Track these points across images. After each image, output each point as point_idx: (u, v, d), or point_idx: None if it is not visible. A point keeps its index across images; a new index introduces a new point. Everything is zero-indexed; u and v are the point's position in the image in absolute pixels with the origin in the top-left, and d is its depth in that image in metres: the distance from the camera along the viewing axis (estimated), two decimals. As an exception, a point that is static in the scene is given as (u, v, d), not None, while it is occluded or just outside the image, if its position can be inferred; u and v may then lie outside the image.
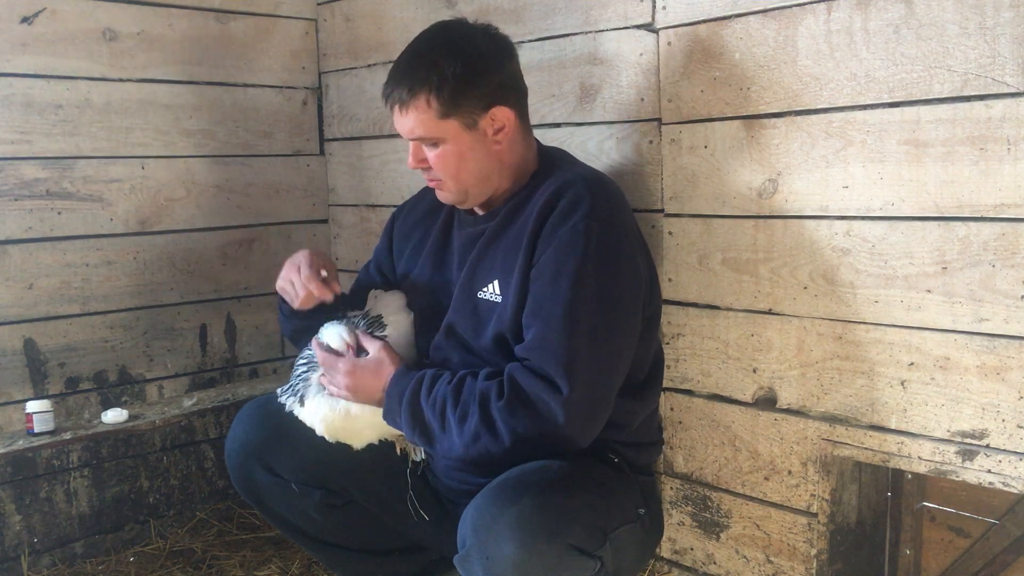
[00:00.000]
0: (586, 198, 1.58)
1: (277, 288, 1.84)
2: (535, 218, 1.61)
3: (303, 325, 1.84)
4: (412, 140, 1.67)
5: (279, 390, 1.81)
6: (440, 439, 1.57)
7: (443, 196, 1.75)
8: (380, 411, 1.66)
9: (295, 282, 1.78)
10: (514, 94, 1.69)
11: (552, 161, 1.75)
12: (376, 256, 2.02)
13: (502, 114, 1.65)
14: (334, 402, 1.71)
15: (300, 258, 1.80)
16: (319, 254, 1.82)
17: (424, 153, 1.67)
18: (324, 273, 1.79)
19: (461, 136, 1.64)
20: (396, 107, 1.65)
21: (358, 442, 1.78)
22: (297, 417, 1.77)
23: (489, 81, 1.64)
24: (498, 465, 1.55)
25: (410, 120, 1.64)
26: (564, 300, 1.53)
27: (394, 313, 1.81)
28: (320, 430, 1.73)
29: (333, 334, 1.73)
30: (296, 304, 1.79)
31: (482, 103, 1.63)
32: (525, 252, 1.61)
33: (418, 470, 1.86)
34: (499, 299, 1.64)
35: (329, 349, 1.71)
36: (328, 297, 1.78)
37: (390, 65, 1.69)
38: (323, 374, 1.72)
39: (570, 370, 1.49)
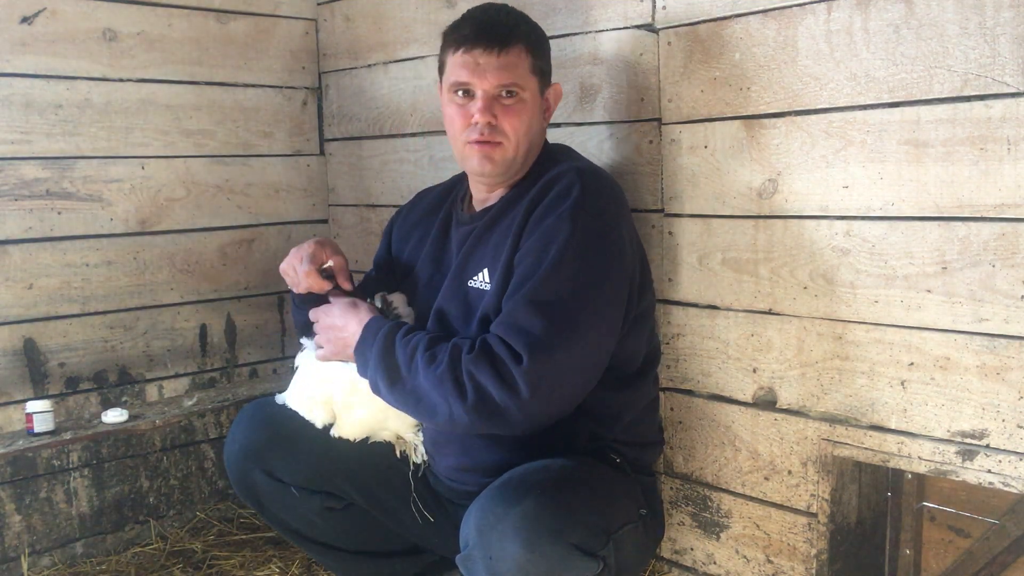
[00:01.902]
0: (576, 188, 1.59)
1: (280, 270, 1.86)
2: (525, 207, 1.63)
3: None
4: (493, 89, 1.63)
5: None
6: (405, 379, 1.57)
7: (490, 161, 1.67)
8: (369, 392, 1.67)
9: (297, 269, 1.81)
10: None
11: (552, 156, 1.75)
12: (376, 261, 2.03)
13: (556, 91, 1.76)
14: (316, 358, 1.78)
15: (305, 249, 1.82)
16: (326, 245, 1.84)
17: (497, 108, 1.65)
18: (330, 263, 1.82)
19: (535, 98, 1.70)
20: (493, 49, 1.62)
21: (346, 419, 1.78)
22: (292, 408, 1.80)
23: (549, 57, 1.75)
24: (455, 429, 1.57)
25: (506, 62, 1.63)
26: (539, 280, 1.53)
27: (399, 309, 1.84)
28: (307, 398, 1.78)
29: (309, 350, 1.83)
30: (296, 289, 1.84)
31: (549, 75, 1.74)
32: (513, 240, 1.62)
33: (419, 472, 1.86)
34: (488, 287, 1.65)
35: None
36: (325, 288, 1.80)
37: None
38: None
39: (533, 345, 1.47)
